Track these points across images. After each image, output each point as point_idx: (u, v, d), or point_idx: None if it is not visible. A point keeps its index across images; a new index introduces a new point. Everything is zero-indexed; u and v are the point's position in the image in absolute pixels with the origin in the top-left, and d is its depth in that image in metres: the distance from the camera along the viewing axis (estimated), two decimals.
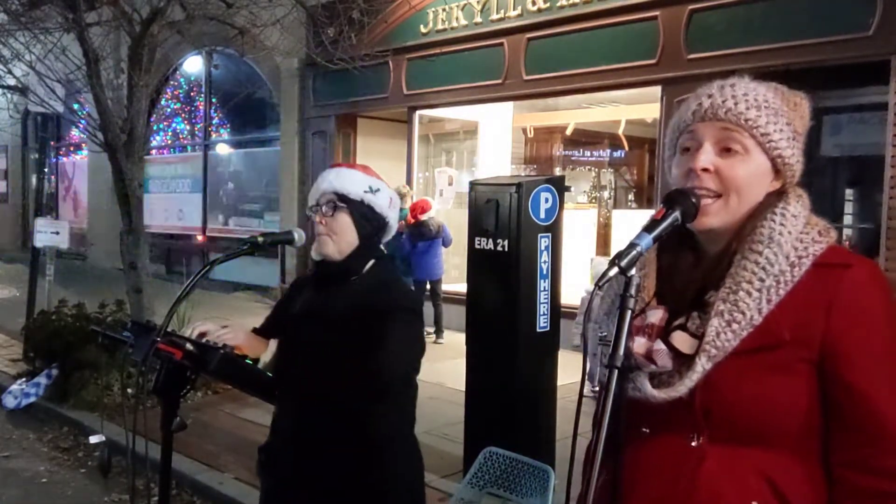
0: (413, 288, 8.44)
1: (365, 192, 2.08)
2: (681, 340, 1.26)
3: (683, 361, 1.25)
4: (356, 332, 1.97)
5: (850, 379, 1.20)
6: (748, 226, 1.29)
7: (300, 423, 2.07)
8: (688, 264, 1.35)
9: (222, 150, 13.62)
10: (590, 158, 11.65)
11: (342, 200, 2.06)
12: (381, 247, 2.21)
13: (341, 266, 2.09)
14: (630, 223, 8.91)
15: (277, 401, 2.15)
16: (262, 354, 1.97)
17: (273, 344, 1.98)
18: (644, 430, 1.32)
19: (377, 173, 2.19)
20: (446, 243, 8.52)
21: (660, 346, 1.26)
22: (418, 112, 10.03)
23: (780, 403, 1.22)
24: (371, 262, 2.11)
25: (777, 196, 1.31)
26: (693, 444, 1.27)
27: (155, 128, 13.91)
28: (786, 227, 1.26)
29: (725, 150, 1.28)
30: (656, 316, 1.28)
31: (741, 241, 1.28)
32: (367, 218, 2.09)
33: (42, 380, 6.21)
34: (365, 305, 2.01)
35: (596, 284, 1.20)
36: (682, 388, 1.23)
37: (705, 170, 1.27)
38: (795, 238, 1.26)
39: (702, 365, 1.23)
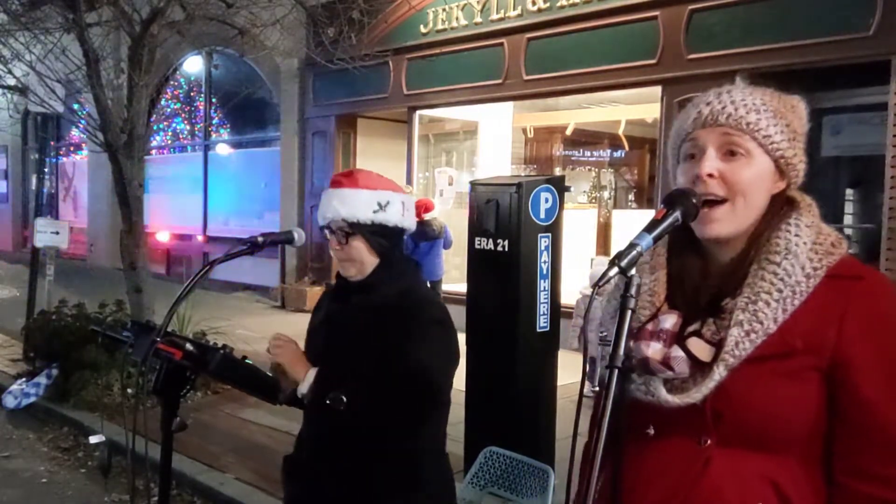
0: None
1: (374, 211, 1.99)
2: (698, 348, 1.26)
3: (698, 367, 1.26)
4: (383, 349, 1.94)
5: (857, 387, 1.21)
6: (763, 235, 1.30)
7: (327, 436, 2.03)
8: (696, 269, 1.35)
9: (222, 150, 13.62)
10: (590, 158, 11.64)
11: (352, 227, 1.99)
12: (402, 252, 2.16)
13: (364, 283, 2.06)
14: (630, 223, 8.91)
15: (305, 411, 2.10)
16: (300, 382, 1.92)
17: (312, 373, 1.92)
18: (648, 431, 1.33)
19: (384, 179, 2.09)
20: (447, 244, 8.44)
21: (678, 352, 1.26)
22: (418, 112, 10.03)
23: (790, 410, 1.23)
24: (397, 273, 2.06)
25: (788, 204, 1.33)
26: (700, 446, 1.27)
27: (155, 128, 13.91)
28: (801, 238, 1.28)
29: (728, 155, 1.29)
30: (670, 321, 1.29)
31: (758, 251, 1.29)
32: (381, 235, 2.02)
33: (42, 380, 6.20)
34: (390, 318, 1.97)
35: (596, 284, 1.19)
36: (697, 394, 1.24)
37: (710, 175, 1.28)
38: (809, 248, 1.27)
39: (719, 373, 1.23)
